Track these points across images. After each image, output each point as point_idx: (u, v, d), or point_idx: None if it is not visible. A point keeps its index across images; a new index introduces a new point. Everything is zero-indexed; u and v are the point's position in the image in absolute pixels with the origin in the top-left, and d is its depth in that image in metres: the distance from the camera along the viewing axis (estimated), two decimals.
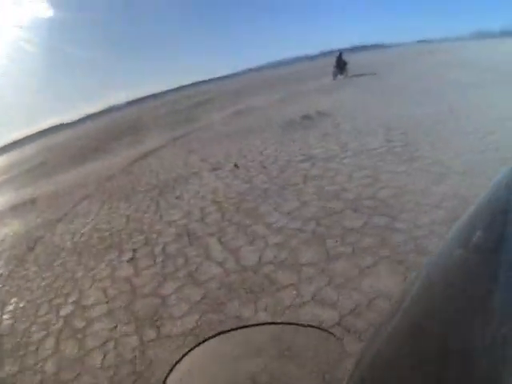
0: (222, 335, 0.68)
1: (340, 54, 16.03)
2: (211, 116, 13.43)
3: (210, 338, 0.68)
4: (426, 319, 0.30)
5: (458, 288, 0.29)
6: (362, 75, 15.16)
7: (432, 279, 0.34)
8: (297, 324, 0.69)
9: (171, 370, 0.62)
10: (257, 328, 0.72)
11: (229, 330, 0.69)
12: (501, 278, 0.26)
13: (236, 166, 5.23)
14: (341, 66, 15.78)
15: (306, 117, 8.01)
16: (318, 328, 0.62)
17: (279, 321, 1.28)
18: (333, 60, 16.90)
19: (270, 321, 1.51)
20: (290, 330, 0.70)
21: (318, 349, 0.65)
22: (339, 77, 15.77)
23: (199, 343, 0.69)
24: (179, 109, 23.49)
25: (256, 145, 6.48)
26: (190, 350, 0.64)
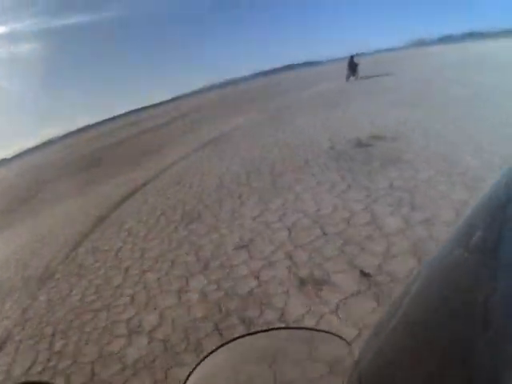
0: (236, 341, 0.71)
1: (351, 57, 16.23)
2: (191, 141, 10.08)
3: (225, 343, 0.69)
4: (425, 319, 0.30)
5: (457, 288, 0.29)
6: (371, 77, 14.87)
7: (432, 279, 0.34)
8: (312, 329, 0.77)
9: (189, 376, 0.62)
10: (272, 333, 0.80)
11: (243, 336, 0.72)
12: (501, 278, 0.26)
13: (365, 273, 2.22)
14: (353, 67, 15.83)
15: (359, 144, 5.32)
16: (333, 334, 0.64)
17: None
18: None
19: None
20: (305, 334, 0.78)
21: (332, 354, 0.67)
22: (351, 78, 15.92)
23: (216, 348, 0.68)
24: (143, 131, 19.53)
25: (333, 203, 3.47)
26: (205, 357, 0.65)
